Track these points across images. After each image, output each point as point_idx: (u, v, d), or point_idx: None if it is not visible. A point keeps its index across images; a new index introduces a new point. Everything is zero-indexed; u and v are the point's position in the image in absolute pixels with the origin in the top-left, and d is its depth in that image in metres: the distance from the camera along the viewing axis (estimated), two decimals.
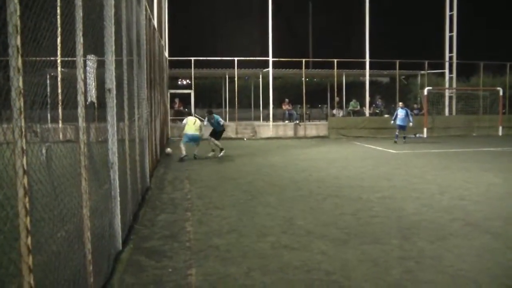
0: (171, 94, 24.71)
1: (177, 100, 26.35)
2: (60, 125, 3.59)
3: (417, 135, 23.22)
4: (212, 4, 38.71)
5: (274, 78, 25.42)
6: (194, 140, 15.28)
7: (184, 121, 15.60)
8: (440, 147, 18.77)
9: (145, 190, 9.14)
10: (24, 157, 2.37)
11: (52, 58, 3.02)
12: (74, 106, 3.73)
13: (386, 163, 13.79)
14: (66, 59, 3.43)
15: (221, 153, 15.54)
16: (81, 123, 3.82)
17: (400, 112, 20.08)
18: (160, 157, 14.54)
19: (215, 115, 15.83)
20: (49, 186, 2.87)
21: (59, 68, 3.37)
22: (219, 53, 26.24)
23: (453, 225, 6.85)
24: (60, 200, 3.11)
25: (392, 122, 20.58)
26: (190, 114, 17.55)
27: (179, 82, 37.18)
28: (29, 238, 2.40)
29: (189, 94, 24.41)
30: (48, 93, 2.94)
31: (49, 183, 2.85)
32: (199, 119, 16.38)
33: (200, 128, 15.19)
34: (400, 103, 21.26)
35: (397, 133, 20.39)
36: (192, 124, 15.28)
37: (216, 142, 15.59)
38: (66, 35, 3.27)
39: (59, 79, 3.42)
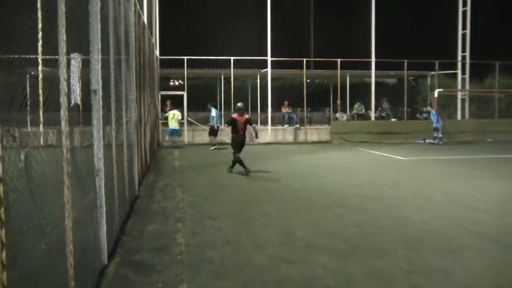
0: (162, 96, 24.70)
1: (168, 103, 26.27)
2: (41, 129, 3.58)
3: (427, 141, 23.23)
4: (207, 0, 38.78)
5: (273, 79, 25.43)
6: (174, 133, 20.58)
7: (165, 115, 20.82)
8: (450, 153, 18.78)
9: (133, 199, 9.11)
10: (0, 164, 2.35)
11: (32, 56, 3.01)
12: (56, 108, 3.71)
13: (393, 171, 13.79)
14: (48, 57, 3.41)
15: (213, 147, 20.09)
16: (64, 126, 3.80)
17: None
18: (150, 163, 14.52)
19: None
20: (28, 195, 2.85)
21: (40, 67, 3.35)
22: (214, 52, 26.24)
23: (464, 237, 6.84)
24: (40, 210, 3.09)
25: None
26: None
27: (171, 83, 37.15)
28: (4, 253, 2.37)
29: (182, 96, 24.40)
30: (28, 94, 2.92)
31: (28, 192, 2.84)
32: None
33: (179, 121, 20.23)
34: (428, 106, 24.87)
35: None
36: (171, 118, 20.33)
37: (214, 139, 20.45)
38: (48, 32, 3.26)
39: (40, 78, 3.40)
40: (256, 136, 13.47)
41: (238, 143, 12.75)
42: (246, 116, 12.86)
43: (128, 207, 8.23)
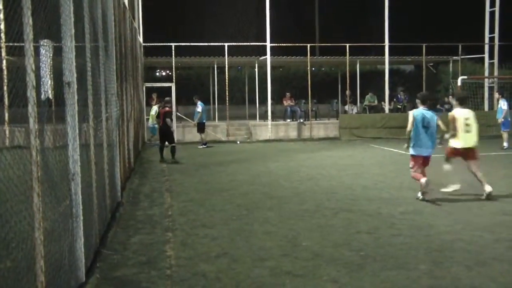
0: (147, 88, 24.68)
1: (154, 96, 26.31)
2: (6, 127, 3.54)
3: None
4: None
5: (273, 67, 25.45)
6: (152, 131, 21.58)
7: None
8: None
9: (115, 206, 9.10)
10: None
11: None
12: (23, 103, 3.67)
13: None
14: (12, 44, 3.36)
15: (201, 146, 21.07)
16: (33, 124, 3.76)
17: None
18: (134, 165, 14.50)
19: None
20: None
21: (3, 55, 3.31)
22: (206, 38, 26.24)
23: (497, 246, 6.81)
24: (4, 221, 3.05)
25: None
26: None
27: (157, 74, 37.19)
28: None
29: (170, 87, 24.37)
30: None
31: None
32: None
33: (156, 118, 20.27)
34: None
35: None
36: (151, 114, 21.57)
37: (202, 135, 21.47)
38: (11, 14, 3.21)
39: (3, 67, 3.36)
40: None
41: (160, 131, 16.67)
42: (166, 109, 16.49)
43: (109, 215, 8.21)
